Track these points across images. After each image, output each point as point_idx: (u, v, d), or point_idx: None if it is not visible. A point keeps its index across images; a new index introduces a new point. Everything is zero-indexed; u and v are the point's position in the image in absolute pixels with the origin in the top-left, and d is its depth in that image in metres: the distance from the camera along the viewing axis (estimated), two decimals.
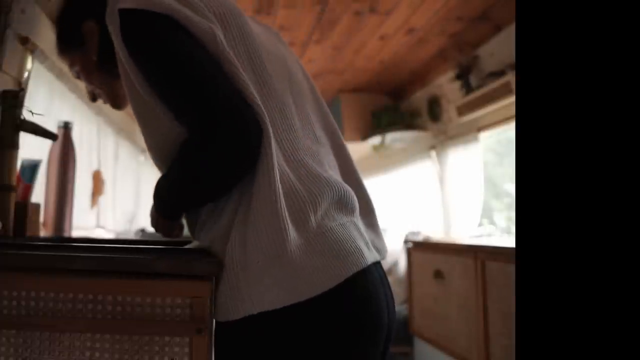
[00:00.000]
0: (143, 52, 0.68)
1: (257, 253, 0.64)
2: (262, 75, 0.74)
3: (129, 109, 0.83)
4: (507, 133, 2.81)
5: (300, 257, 0.64)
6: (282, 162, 0.69)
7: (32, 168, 1.20)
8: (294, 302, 0.63)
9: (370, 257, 0.72)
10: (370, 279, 0.70)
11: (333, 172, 0.78)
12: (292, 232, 0.65)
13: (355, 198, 0.76)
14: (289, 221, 0.65)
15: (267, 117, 0.67)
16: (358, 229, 0.74)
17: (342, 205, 0.73)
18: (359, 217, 0.77)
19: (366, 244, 0.73)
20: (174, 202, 0.74)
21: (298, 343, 0.64)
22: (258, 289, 0.63)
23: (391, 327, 0.74)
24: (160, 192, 0.74)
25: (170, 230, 0.81)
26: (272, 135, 0.67)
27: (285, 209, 0.66)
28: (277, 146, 0.70)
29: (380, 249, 0.80)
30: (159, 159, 0.75)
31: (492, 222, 3.06)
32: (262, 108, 0.67)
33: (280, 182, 0.67)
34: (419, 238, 3.10)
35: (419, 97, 3.62)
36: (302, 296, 0.63)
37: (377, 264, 0.76)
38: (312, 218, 0.67)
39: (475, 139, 2.92)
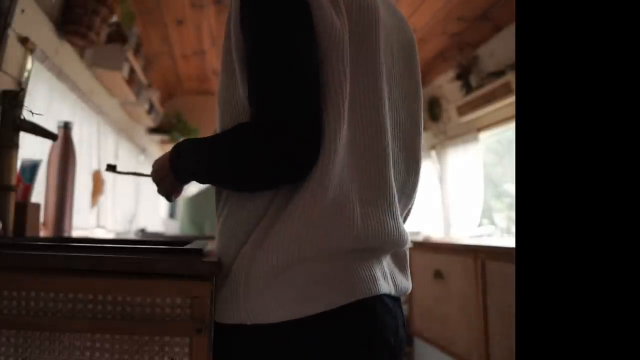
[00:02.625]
0: (255, 13, 0.64)
1: (264, 270, 0.62)
2: (373, 99, 0.69)
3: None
4: (507, 133, 2.81)
5: (307, 276, 0.62)
6: (354, 198, 0.65)
7: (32, 168, 1.20)
8: (290, 319, 0.62)
9: (385, 287, 0.68)
10: (380, 307, 0.65)
11: (395, 214, 0.72)
12: (310, 260, 0.62)
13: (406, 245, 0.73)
14: (316, 252, 0.62)
15: (336, 144, 0.63)
16: (378, 257, 0.69)
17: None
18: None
19: (384, 274, 0.69)
20: (194, 171, 0.70)
21: (288, 356, 0.62)
22: (255, 304, 0.62)
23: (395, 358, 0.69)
24: (188, 153, 0.71)
25: (170, 190, 0.79)
26: (337, 162, 0.63)
27: (321, 240, 0.62)
28: (351, 177, 0.66)
29: (400, 286, 0.73)
30: (220, 127, 0.73)
31: (492, 222, 3.06)
32: (336, 134, 0.63)
33: (347, 220, 0.63)
34: (419, 238, 3.10)
35: None
36: (300, 314, 0.62)
37: (394, 298, 0.71)
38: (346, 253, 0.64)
39: (475, 139, 2.92)
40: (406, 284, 0.76)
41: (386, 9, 0.78)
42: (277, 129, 0.59)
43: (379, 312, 0.65)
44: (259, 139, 0.60)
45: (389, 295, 0.69)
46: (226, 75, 0.70)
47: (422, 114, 0.82)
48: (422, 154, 0.83)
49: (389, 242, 0.68)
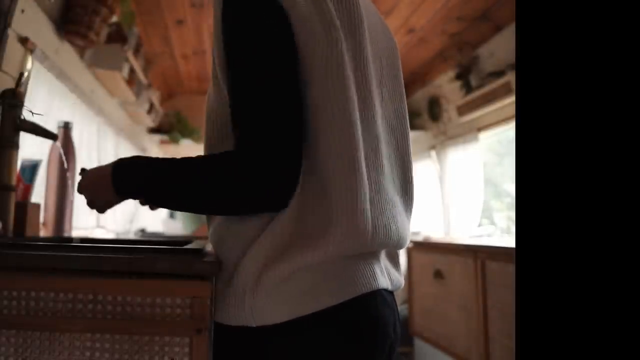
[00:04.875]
0: (233, 26, 0.63)
1: (273, 276, 0.62)
2: (366, 106, 0.69)
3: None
4: (507, 133, 2.82)
5: (313, 276, 0.63)
6: (367, 204, 0.65)
7: (32, 168, 1.20)
8: (296, 317, 0.62)
9: (384, 282, 0.70)
10: (380, 302, 0.67)
11: (399, 219, 0.73)
12: (317, 264, 0.63)
13: (403, 246, 0.74)
14: (325, 258, 0.63)
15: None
16: (376, 255, 0.72)
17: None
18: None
19: (381, 270, 0.71)
20: (152, 193, 0.67)
21: (295, 355, 0.63)
22: (261, 305, 0.62)
23: (392, 353, 0.72)
24: (142, 170, 0.67)
25: (104, 207, 0.74)
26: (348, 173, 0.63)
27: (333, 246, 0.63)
28: (368, 179, 0.66)
29: (395, 280, 0.75)
30: (205, 130, 0.72)
31: (492, 222, 3.06)
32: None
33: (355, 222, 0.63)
34: (419, 238, 3.09)
35: (419, 97, 3.62)
36: (303, 312, 0.62)
37: (390, 293, 0.73)
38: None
39: (475, 139, 2.92)
40: (400, 278, 0.78)
41: (365, 6, 0.77)
42: (257, 166, 0.60)
43: (379, 306, 0.67)
44: (238, 175, 0.60)
45: (386, 290, 0.71)
46: (214, 81, 0.70)
47: (407, 113, 0.83)
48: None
49: (390, 245, 0.70)
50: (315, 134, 0.64)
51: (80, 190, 0.76)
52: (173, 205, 0.69)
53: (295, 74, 0.63)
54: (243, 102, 0.62)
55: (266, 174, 0.60)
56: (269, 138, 0.60)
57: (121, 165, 0.69)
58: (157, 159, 0.68)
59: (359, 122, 0.66)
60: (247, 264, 0.63)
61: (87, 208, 0.77)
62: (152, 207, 0.74)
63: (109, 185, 0.69)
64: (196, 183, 0.63)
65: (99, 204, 0.74)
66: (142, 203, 0.72)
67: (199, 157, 0.65)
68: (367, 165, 0.67)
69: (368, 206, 0.65)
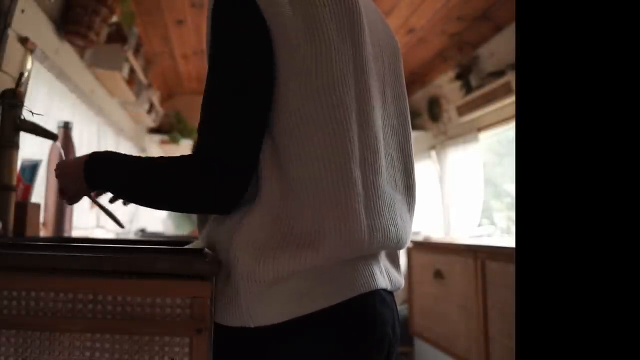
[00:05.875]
0: (213, 31, 0.65)
1: (268, 277, 0.62)
2: (365, 106, 0.68)
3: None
4: (507, 133, 2.82)
5: (309, 277, 0.63)
6: (361, 207, 0.64)
7: (32, 168, 1.20)
8: (293, 318, 0.62)
9: (382, 282, 0.69)
10: (379, 302, 0.67)
11: (400, 221, 0.72)
12: (311, 268, 0.63)
13: (403, 246, 0.74)
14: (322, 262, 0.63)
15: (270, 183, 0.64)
16: (376, 256, 0.71)
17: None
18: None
19: (381, 270, 0.71)
20: (113, 185, 0.72)
21: (294, 355, 0.63)
22: (259, 306, 0.62)
23: (391, 353, 0.71)
24: (112, 166, 0.71)
25: (75, 196, 0.79)
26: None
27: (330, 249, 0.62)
28: (363, 183, 0.66)
29: (394, 281, 0.75)
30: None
31: (492, 222, 3.06)
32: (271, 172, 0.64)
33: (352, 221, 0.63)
34: (419, 238, 3.10)
35: (419, 97, 3.62)
36: (300, 312, 0.62)
37: (390, 293, 0.73)
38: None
39: (475, 139, 2.92)
40: (400, 279, 0.77)
41: (365, 5, 0.76)
42: (209, 172, 0.62)
43: (378, 306, 0.67)
44: (189, 178, 0.63)
45: (385, 290, 0.71)
46: None
47: (409, 113, 0.82)
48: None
49: (389, 247, 0.70)
50: (303, 140, 0.63)
51: (56, 175, 0.80)
52: (136, 201, 0.72)
53: (264, 87, 0.64)
54: (205, 106, 0.64)
55: (208, 181, 0.62)
56: (218, 148, 0.62)
57: (94, 158, 0.73)
58: (126, 156, 0.71)
59: (354, 125, 0.65)
60: (238, 264, 0.63)
61: (65, 199, 0.83)
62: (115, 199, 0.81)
63: (81, 176, 0.73)
64: (151, 184, 0.67)
65: (70, 190, 0.78)
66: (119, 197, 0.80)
67: (161, 157, 0.68)
68: (363, 167, 0.66)
69: (362, 209, 0.64)
